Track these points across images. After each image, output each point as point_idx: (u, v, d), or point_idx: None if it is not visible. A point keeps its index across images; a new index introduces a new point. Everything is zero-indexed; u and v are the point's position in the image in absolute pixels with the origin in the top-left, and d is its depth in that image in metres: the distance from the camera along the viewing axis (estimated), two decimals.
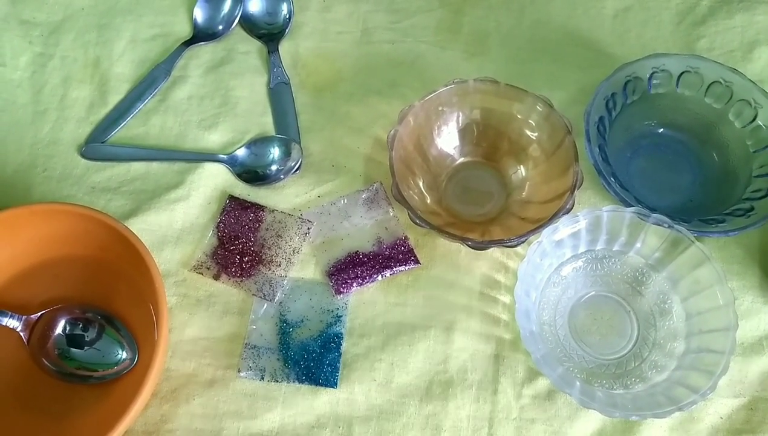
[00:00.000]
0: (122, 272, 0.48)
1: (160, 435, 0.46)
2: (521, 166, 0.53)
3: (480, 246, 0.47)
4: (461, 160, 0.54)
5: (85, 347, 0.47)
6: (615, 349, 0.48)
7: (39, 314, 0.47)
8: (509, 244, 0.46)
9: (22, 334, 0.46)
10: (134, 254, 0.45)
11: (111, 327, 0.47)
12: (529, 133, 0.52)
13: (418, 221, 0.47)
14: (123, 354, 0.46)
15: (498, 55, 0.60)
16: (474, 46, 0.61)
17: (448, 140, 0.54)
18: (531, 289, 0.46)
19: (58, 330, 0.47)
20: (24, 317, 0.46)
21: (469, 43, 0.61)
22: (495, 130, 0.53)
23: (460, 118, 0.53)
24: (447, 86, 0.52)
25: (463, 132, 0.54)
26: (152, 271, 0.44)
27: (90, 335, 0.47)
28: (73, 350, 0.46)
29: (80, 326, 0.47)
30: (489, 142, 0.53)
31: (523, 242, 0.47)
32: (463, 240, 0.46)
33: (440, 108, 0.52)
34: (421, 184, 0.52)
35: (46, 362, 0.46)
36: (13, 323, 0.46)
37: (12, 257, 0.48)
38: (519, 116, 0.52)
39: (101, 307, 0.48)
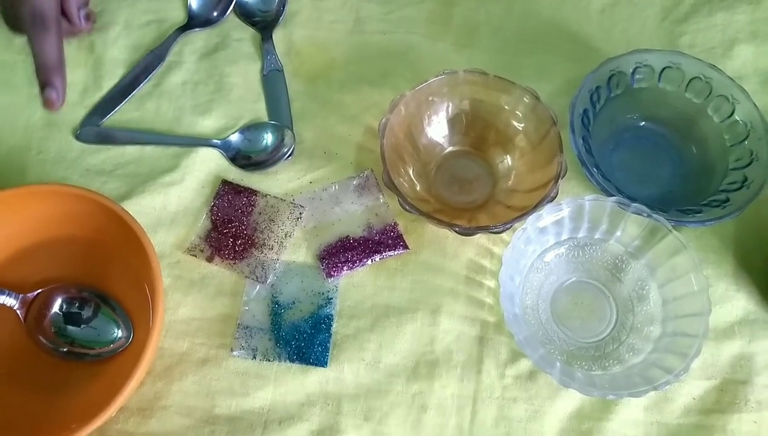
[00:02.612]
0: (118, 253, 0.49)
1: (154, 412, 0.47)
2: (508, 156, 0.54)
3: (467, 232, 0.49)
4: (450, 149, 0.56)
5: (81, 325, 0.48)
6: (594, 332, 0.50)
7: (36, 292, 0.48)
8: (495, 230, 0.48)
9: (18, 312, 0.47)
10: (131, 236, 0.46)
11: (106, 306, 0.48)
12: (516, 123, 0.54)
13: (407, 208, 0.49)
14: (118, 333, 0.48)
15: (487, 47, 0.62)
16: (464, 38, 0.62)
17: (437, 130, 0.55)
18: (515, 274, 0.48)
19: (55, 308, 0.48)
20: (21, 296, 0.47)
21: (459, 35, 0.62)
22: (483, 120, 0.54)
23: (450, 109, 0.55)
24: (437, 77, 0.53)
25: (453, 122, 0.55)
26: (148, 251, 0.45)
27: (86, 313, 0.48)
28: (70, 327, 0.48)
29: (76, 304, 0.48)
30: (477, 132, 0.55)
31: (508, 229, 0.49)
32: (450, 226, 0.48)
33: (430, 98, 0.54)
34: (411, 171, 0.53)
35: (42, 340, 0.47)
36: (10, 300, 0.47)
37: (9, 237, 0.49)
38: (506, 107, 0.54)
39: (97, 287, 0.49)
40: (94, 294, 0.49)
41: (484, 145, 0.55)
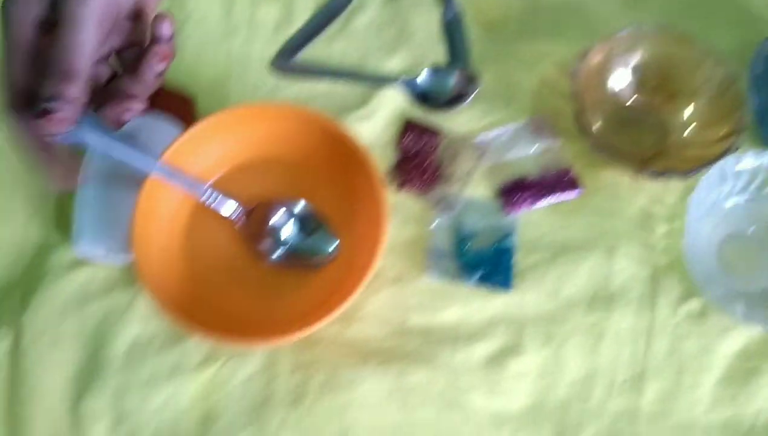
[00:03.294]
0: (330, 174, 0.54)
1: (353, 321, 0.53)
2: (686, 110, 0.57)
3: (658, 175, 0.52)
4: (630, 100, 0.59)
5: (297, 237, 0.53)
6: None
7: (255, 204, 0.53)
8: (686, 175, 0.51)
9: (239, 221, 0.53)
10: (352, 156, 0.51)
11: (318, 220, 0.53)
12: (697, 78, 0.56)
13: (599, 149, 0.52)
14: (329, 247, 0.53)
15: (655, 8, 0.64)
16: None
17: (620, 80, 0.58)
18: (700, 217, 0.52)
19: (274, 220, 0.53)
20: (243, 207, 0.53)
21: None
22: (665, 74, 0.57)
23: (634, 61, 0.58)
24: (623, 30, 0.56)
25: (635, 74, 0.58)
26: (372, 171, 0.50)
27: (301, 226, 0.53)
28: (287, 238, 0.53)
29: (292, 217, 0.53)
30: (657, 85, 0.58)
31: (697, 173, 0.52)
32: (642, 169, 0.51)
33: (616, 50, 0.57)
34: (592, 119, 0.57)
35: (259, 248, 0.53)
36: (234, 210, 0.52)
37: (234, 151, 0.55)
38: (689, 62, 0.56)
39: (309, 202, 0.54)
40: (309, 209, 0.53)
41: (663, 98, 0.58)
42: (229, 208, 0.52)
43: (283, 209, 0.53)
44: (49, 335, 0.51)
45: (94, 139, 0.45)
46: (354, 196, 0.53)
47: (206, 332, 0.47)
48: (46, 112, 0.39)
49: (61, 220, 0.56)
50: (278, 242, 0.53)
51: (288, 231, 0.53)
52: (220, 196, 0.52)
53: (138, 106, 0.44)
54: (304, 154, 0.55)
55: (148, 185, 0.50)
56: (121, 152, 0.47)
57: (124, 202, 0.51)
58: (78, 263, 0.54)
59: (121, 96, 0.44)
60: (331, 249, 0.53)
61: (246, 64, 0.62)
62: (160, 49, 0.45)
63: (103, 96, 0.44)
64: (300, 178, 0.56)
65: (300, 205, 0.53)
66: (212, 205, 0.52)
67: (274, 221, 0.53)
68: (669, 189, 0.56)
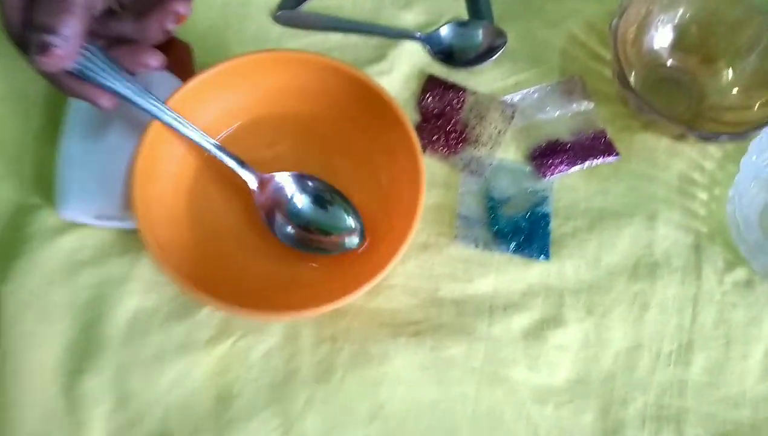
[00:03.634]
0: (355, 131, 0.49)
1: (381, 290, 0.48)
2: (726, 71, 0.54)
3: (706, 138, 0.49)
4: (667, 60, 0.56)
5: (318, 211, 0.47)
6: None
7: (272, 175, 0.47)
8: (736, 138, 0.48)
9: (255, 189, 0.47)
10: (380, 112, 0.46)
11: (338, 196, 0.48)
12: (746, 37, 0.53)
13: (644, 109, 0.49)
14: (350, 221, 0.47)
15: None
16: None
17: (658, 39, 0.55)
18: (749, 181, 0.49)
19: (292, 191, 0.47)
20: (259, 175, 0.47)
21: None
22: (706, 32, 0.54)
23: (672, 20, 0.55)
24: None
25: (673, 34, 0.55)
26: (406, 128, 0.45)
27: (322, 200, 0.47)
28: (303, 210, 0.47)
29: (313, 191, 0.48)
30: (698, 43, 0.55)
31: (746, 138, 0.49)
32: (689, 131, 0.48)
33: (656, 6, 0.53)
34: (631, 78, 0.53)
35: (277, 219, 0.47)
36: (250, 178, 0.46)
37: (243, 106, 0.49)
38: (733, 21, 0.53)
39: (325, 168, 0.49)
40: (327, 186, 0.48)
41: (701, 58, 0.55)
42: (245, 174, 0.46)
43: (299, 181, 0.47)
44: (36, 308, 0.44)
45: (100, 76, 0.39)
46: (383, 155, 0.48)
47: (221, 302, 0.41)
48: (44, 48, 0.35)
49: (42, 179, 0.49)
50: (293, 214, 0.47)
51: (301, 204, 0.47)
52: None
53: (154, 62, 0.40)
54: (325, 108, 0.50)
55: (148, 138, 0.44)
56: (130, 92, 0.41)
57: (116, 158, 0.45)
58: (65, 227, 0.47)
59: (133, 47, 0.40)
60: (349, 225, 0.47)
61: (245, 13, 0.57)
62: (177, 7, 0.39)
63: (108, 38, 0.40)
64: (319, 137, 0.50)
65: (315, 181, 0.48)
66: (229, 163, 0.46)
67: (292, 192, 0.47)
68: (707, 155, 0.54)
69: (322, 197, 0.48)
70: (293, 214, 0.47)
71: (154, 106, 0.42)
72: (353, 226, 0.47)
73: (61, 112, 0.48)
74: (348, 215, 0.47)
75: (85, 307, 0.45)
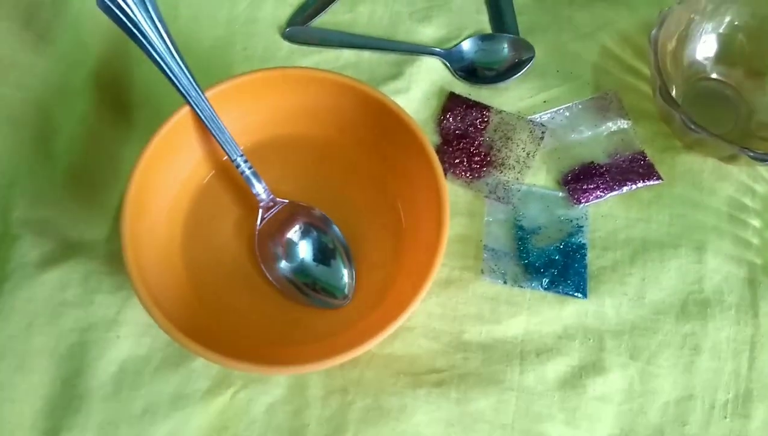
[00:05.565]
0: (372, 155, 0.44)
1: (399, 333, 0.43)
2: None
3: (763, 158, 0.44)
4: (711, 73, 0.51)
5: (317, 262, 0.43)
6: None
7: (284, 201, 0.43)
8: None
9: (260, 211, 0.42)
10: (399, 135, 0.41)
11: (343, 249, 0.43)
12: None
13: (693, 127, 0.44)
14: (345, 277, 0.42)
15: None
16: None
17: (701, 50, 0.50)
18: None
19: (294, 230, 0.43)
20: (272, 195, 0.42)
21: None
22: (754, 44, 0.49)
23: (716, 29, 0.50)
24: None
25: (718, 44, 0.50)
26: (427, 152, 0.40)
27: (323, 248, 0.43)
28: (304, 258, 0.43)
29: (315, 237, 0.43)
30: (745, 56, 0.50)
31: None
32: (743, 150, 0.43)
33: (699, 14, 0.48)
34: (672, 93, 0.48)
35: (267, 250, 0.43)
36: (262, 195, 0.42)
37: (251, 127, 0.45)
38: None
39: (331, 198, 0.44)
40: (335, 235, 0.43)
41: (748, 72, 0.50)
42: (260, 187, 0.42)
43: (306, 221, 0.43)
44: (13, 356, 0.40)
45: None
46: (401, 181, 0.43)
47: (216, 354, 0.36)
48: None
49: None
50: (289, 258, 0.42)
51: (302, 250, 0.43)
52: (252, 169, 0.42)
53: None
54: (337, 130, 0.45)
55: (142, 166, 0.39)
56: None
57: None
58: (50, 260, 0.42)
59: None
60: (344, 282, 0.42)
61: (252, 29, 0.53)
62: None
63: None
64: (331, 161, 0.45)
65: (326, 226, 0.43)
66: (247, 175, 0.42)
67: (295, 230, 0.43)
68: (758, 177, 0.49)
69: (325, 247, 0.43)
70: (289, 252, 0.43)
71: (195, 89, 0.40)
72: (347, 281, 0.42)
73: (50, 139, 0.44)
74: (344, 268, 0.42)
75: (67, 354, 0.40)
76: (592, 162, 0.49)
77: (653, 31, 0.46)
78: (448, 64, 0.52)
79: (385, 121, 0.42)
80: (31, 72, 0.48)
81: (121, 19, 0.38)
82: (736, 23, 0.49)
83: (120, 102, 0.49)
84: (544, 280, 0.45)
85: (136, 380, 0.40)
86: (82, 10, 0.51)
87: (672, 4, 0.48)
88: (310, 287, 0.42)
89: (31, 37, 0.50)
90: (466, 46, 0.52)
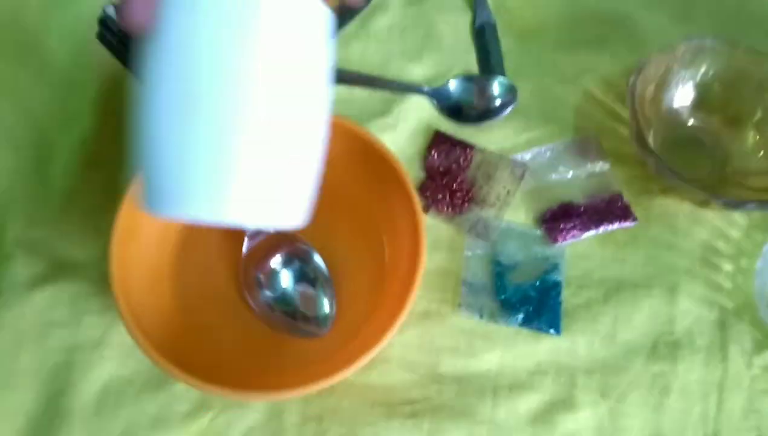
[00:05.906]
0: (354, 189, 0.46)
1: (376, 363, 0.44)
2: (751, 133, 0.51)
3: (733, 206, 0.45)
4: (688, 120, 0.52)
5: (298, 289, 0.44)
6: None
7: (268, 230, 0.44)
8: (765, 207, 0.44)
9: (246, 239, 0.44)
10: (380, 170, 0.43)
11: (324, 280, 0.44)
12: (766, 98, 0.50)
13: (664, 172, 0.45)
14: (326, 308, 0.44)
15: (704, 24, 0.58)
16: (680, 12, 0.59)
17: (679, 97, 0.52)
18: None
19: (275, 260, 0.44)
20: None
21: (675, 8, 0.59)
22: (730, 93, 0.51)
23: (693, 78, 0.52)
24: (685, 42, 0.50)
25: (695, 93, 0.52)
26: (406, 188, 0.42)
27: (306, 278, 0.44)
28: (286, 287, 0.44)
29: (297, 268, 0.44)
30: (721, 105, 0.52)
31: None
32: (713, 197, 0.45)
33: (676, 63, 0.50)
34: (649, 137, 0.50)
35: (250, 277, 0.44)
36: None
37: None
38: (758, 81, 0.50)
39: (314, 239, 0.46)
40: (320, 267, 0.45)
41: (725, 119, 0.52)
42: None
43: (289, 252, 0.44)
44: (0, 374, 0.41)
45: None
46: (385, 214, 0.45)
47: (196, 379, 0.37)
48: None
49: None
50: (271, 286, 0.44)
51: (284, 279, 0.44)
52: None
53: None
54: (327, 163, 0.46)
55: (133, 189, 0.41)
56: None
57: None
58: (41, 280, 0.44)
59: None
60: (324, 312, 0.43)
61: None
62: None
63: None
64: (320, 193, 0.47)
65: (308, 254, 0.45)
66: None
67: (278, 260, 0.44)
68: (732, 222, 0.50)
69: (307, 277, 0.44)
70: (272, 281, 0.44)
71: None
72: (328, 312, 0.43)
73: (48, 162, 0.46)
74: (326, 299, 0.44)
75: (53, 373, 0.42)
76: (571, 202, 0.50)
77: (632, 78, 0.48)
78: (435, 103, 0.53)
79: (370, 156, 0.44)
80: (31, 96, 0.50)
81: (119, 52, 0.40)
82: (711, 73, 0.51)
83: (118, 127, 0.50)
84: (519, 316, 0.46)
85: (118, 401, 0.41)
86: (84, 36, 0.52)
87: (652, 52, 0.49)
88: (290, 316, 0.43)
89: (33, 61, 0.51)
90: (453, 85, 0.54)
